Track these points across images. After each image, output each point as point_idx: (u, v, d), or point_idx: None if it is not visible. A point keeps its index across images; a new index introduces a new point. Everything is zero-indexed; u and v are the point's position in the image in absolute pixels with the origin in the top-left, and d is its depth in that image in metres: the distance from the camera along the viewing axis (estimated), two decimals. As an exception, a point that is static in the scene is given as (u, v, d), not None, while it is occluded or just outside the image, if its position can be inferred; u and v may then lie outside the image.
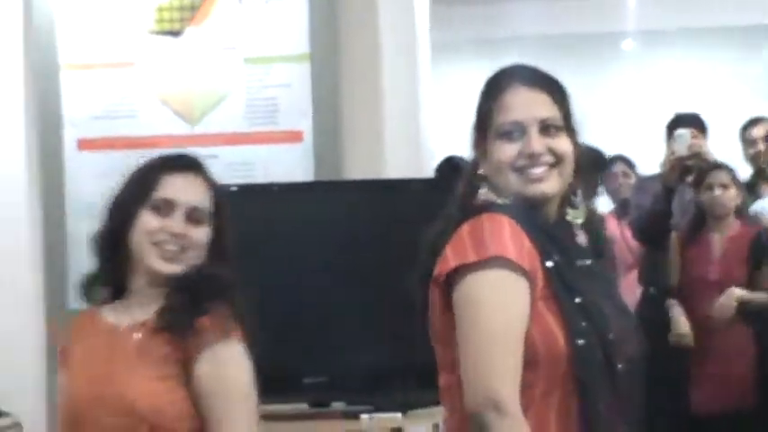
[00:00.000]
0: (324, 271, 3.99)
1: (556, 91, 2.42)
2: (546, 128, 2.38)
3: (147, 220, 2.62)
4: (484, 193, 2.40)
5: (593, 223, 2.54)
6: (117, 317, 2.66)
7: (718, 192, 5.23)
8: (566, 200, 2.46)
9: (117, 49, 4.99)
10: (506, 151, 2.38)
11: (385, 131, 4.80)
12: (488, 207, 2.36)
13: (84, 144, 4.99)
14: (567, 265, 2.34)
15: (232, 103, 4.98)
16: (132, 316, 2.64)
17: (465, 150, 2.49)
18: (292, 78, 4.96)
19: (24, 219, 4.78)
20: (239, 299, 2.62)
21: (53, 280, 4.93)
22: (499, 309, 2.24)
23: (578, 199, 2.46)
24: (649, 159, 6.17)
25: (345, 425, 4.02)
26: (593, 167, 5.71)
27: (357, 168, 4.84)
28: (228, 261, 2.66)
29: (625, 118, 9.15)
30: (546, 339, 2.27)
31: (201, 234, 2.63)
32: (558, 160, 2.39)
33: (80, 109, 4.99)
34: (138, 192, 2.67)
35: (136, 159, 4.91)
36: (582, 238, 2.48)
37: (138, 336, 2.60)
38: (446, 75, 8.27)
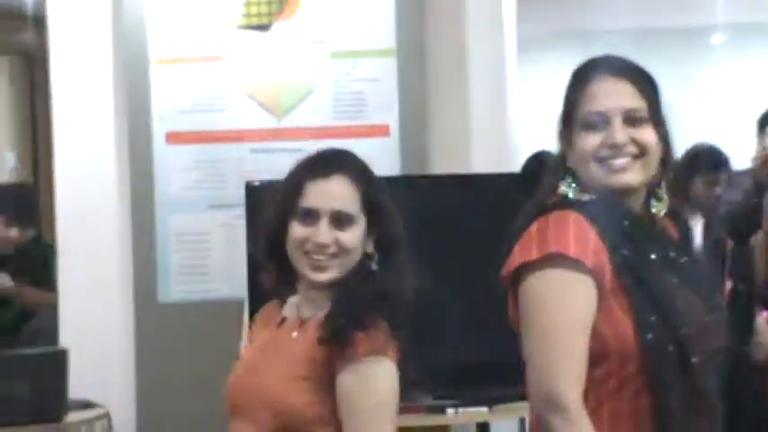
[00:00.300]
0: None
1: (642, 81, 2.38)
2: (630, 118, 2.34)
3: (296, 231, 2.58)
4: (564, 185, 2.39)
5: (684, 216, 2.51)
6: (290, 311, 2.67)
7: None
8: (651, 192, 2.45)
9: (205, 43, 5.04)
10: (589, 141, 2.34)
11: (471, 125, 4.76)
12: (560, 204, 2.33)
13: (173, 138, 5.04)
14: (641, 258, 2.29)
15: (319, 97, 5.01)
16: (300, 313, 2.64)
17: (553, 146, 2.48)
18: (379, 73, 4.97)
19: (114, 212, 4.81)
20: (402, 309, 2.54)
21: (142, 272, 4.98)
22: (559, 307, 2.22)
23: (662, 191, 2.43)
24: (740, 154, 6.09)
25: (431, 419, 4.00)
26: (716, 166, 5.67)
27: (443, 162, 4.82)
28: (395, 260, 2.59)
29: (715, 113, 9.03)
30: (616, 335, 2.23)
31: (350, 237, 2.56)
32: (641, 152, 2.34)
33: (169, 103, 5.04)
34: (286, 201, 2.64)
35: (223, 153, 4.98)
36: (671, 231, 2.44)
37: (295, 334, 2.59)
38: (533, 68, 8.22)
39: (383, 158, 4.85)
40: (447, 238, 3.99)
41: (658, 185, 2.42)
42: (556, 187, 2.39)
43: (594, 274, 2.23)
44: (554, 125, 2.45)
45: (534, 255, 2.25)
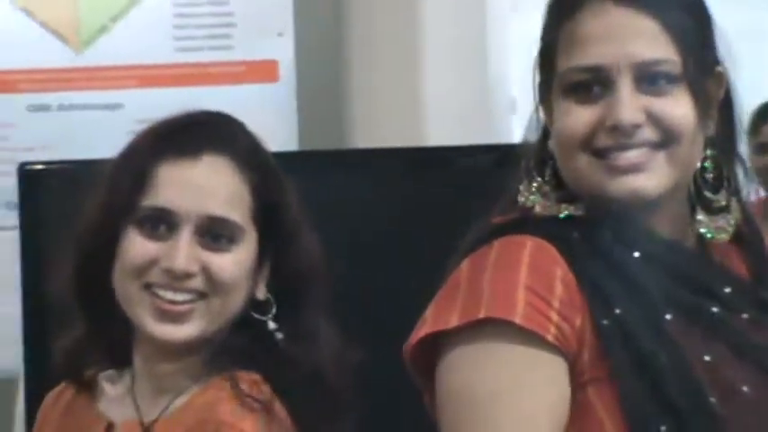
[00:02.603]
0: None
1: (677, 11, 2.37)
2: (648, 78, 2.32)
3: (135, 247, 2.55)
4: (528, 190, 2.34)
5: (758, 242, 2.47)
6: (114, 405, 2.66)
7: None
8: (699, 200, 2.42)
9: None
10: (575, 119, 2.32)
11: (424, 65, 4.78)
12: (516, 224, 2.33)
13: None
14: (649, 319, 2.28)
15: (150, 15, 4.98)
16: (137, 406, 2.63)
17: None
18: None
19: None
20: (333, 392, 2.55)
21: None
22: (499, 415, 2.24)
23: (721, 197, 2.39)
24: None
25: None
26: None
27: (371, 129, 4.82)
28: (308, 315, 2.60)
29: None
30: None
31: (230, 264, 2.55)
32: (666, 136, 2.32)
33: None
34: (117, 198, 2.59)
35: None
36: (734, 262, 2.41)
37: None
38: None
39: (268, 121, 4.77)
40: (372, 250, 3.97)
41: (710, 187, 2.42)
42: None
43: (562, 348, 2.24)
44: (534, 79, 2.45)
45: (453, 320, 2.23)
